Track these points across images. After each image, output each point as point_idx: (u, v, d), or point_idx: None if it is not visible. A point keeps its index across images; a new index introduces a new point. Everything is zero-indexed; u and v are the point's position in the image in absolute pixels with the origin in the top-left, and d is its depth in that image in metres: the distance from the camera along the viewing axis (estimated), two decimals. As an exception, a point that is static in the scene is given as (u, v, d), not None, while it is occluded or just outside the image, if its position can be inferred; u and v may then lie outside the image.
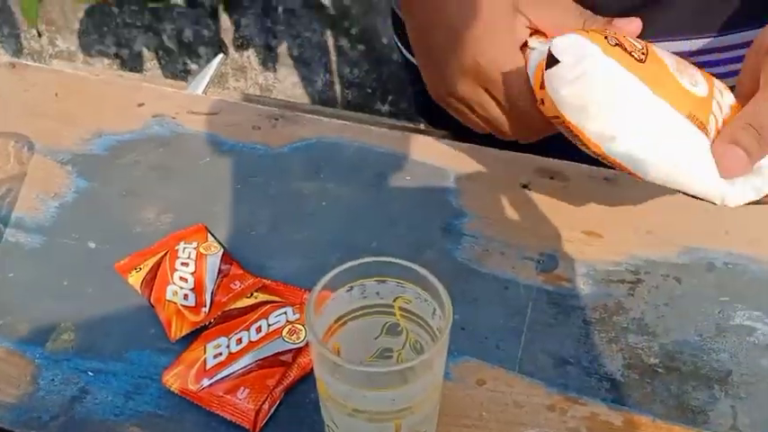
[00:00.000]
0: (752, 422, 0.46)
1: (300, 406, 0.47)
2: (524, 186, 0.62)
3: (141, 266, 0.55)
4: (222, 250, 0.56)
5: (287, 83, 1.89)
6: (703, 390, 0.47)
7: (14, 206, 0.63)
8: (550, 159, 0.65)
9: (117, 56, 1.96)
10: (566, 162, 0.64)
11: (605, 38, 0.43)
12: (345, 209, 0.61)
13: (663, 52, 0.46)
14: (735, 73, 0.62)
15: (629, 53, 0.42)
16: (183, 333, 0.50)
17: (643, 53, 0.43)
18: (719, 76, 0.62)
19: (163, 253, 0.56)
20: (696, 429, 0.45)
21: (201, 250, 0.56)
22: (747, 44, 0.60)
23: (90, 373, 0.50)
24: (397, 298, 0.40)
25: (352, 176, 0.64)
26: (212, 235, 0.58)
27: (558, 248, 0.57)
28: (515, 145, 0.69)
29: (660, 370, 0.48)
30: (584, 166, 0.64)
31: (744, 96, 0.45)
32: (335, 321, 0.41)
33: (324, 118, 0.71)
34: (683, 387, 0.48)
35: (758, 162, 0.42)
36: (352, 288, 0.40)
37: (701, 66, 0.61)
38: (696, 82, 0.45)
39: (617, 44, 0.43)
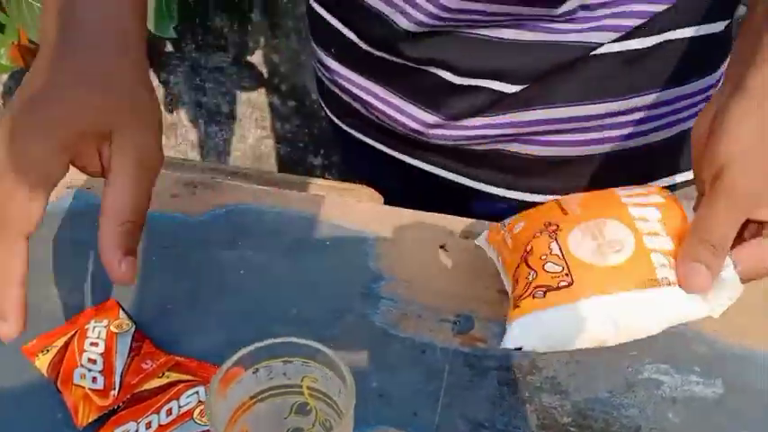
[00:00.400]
0: None
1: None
2: (441, 247, 0.63)
3: (49, 348, 0.53)
4: (134, 327, 0.55)
5: (218, 139, 1.89)
6: (615, 445, 0.48)
7: None
8: (466, 219, 0.66)
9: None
10: (480, 221, 0.66)
11: (532, 296, 0.45)
12: (264, 276, 0.61)
13: (575, 234, 0.46)
14: (640, 134, 0.65)
15: (557, 288, 0.44)
16: (91, 419, 0.49)
17: (566, 275, 0.45)
18: (624, 138, 0.65)
19: (72, 332, 0.54)
20: (608, 487, 0.46)
21: (112, 328, 0.55)
22: (653, 106, 0.63)
23: (-8, 466, 0.48)
24: (304, 377, 0.40)
25: (270, 243, 0.64)
26: (124, 311, 0.57)
27: (474, 309, 0.58)
28: (439, 203, 0.71)
29: (573, 429, 0.49)
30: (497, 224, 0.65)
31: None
32: (241, 405, 0.40)
33: (243, 183, 0.71)
34: (596, 446, 0.48)
35: (720, 274, 0.44)
36: (257, 370, 0.40)
37: (605, 128, 0.64)
38: (621, 245, 0.45)
39: (544, 291, 0.45)
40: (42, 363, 0.53)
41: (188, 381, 0.51)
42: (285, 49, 1.67)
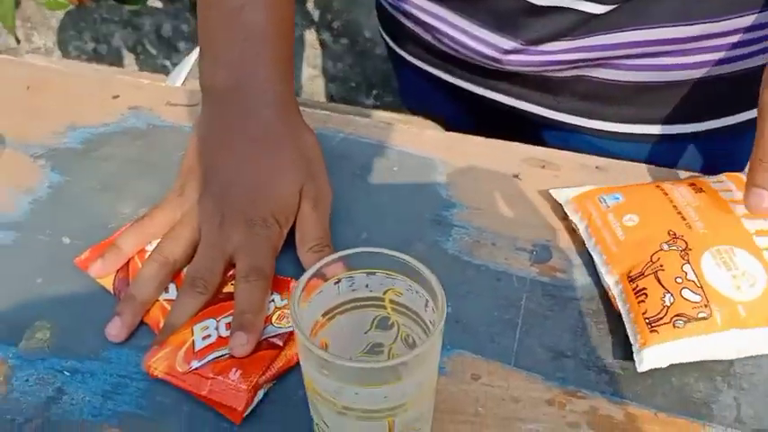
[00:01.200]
0: (756, 414, 0.44)
1: (288, 403, 0.45)
2: (515, 176, 0.61)
3: (108, 262, 0.53)
4: None
5: (268, 79, 1.86)
6: (705, 382, 0.46)
7: (-15, 202, 0.60)
8: (540, 148, 0.63)
9: (95, 52, 1.93)
10: (556, 150, 0.62)
11: (673, 325, 0.45)
12: (333, 200, 0.59)
13: (707, 259, 0.47)
14: (735, 58, 0.61)
15: (696, 319, 0.45)
16: None
17: (705, 305, 0.45)
18: (718, 63, 0.61)
19: None
20: (700, 423, 0.44)
21: None
22: (750, 29, 0.58)
23: (66, 373, 0.47)
24: (387, 290, 0.38)
25: (337, 168, 0.62)
26: None
27: (551, 239, 0.55)
28: (505, 134, 0.68)
29: (660, 361, 0.47)
30: (575, 154, 0.62)
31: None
32: (323, 315, 0.38)
33: (307, 108, 0.69)
34: (685, 379, 0.46)
35: None
36: (340, 280, 0.38)
37: (699, 51, 0.60)
38: (754, 279, 0.46)
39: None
40: (106, 279, 0.52)
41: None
42: (338, -14, 1.63)
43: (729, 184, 0.52)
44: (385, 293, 0.39)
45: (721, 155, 0.68)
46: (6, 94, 0.70)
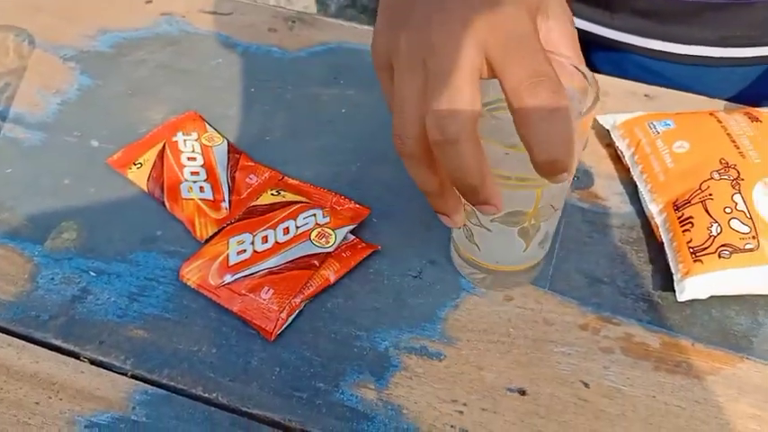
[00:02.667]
0: (798, 350, 0.43)
1: (317, 316, 0.44)
2: (558, 100, 0.58)
3: (140, 161, 0.52)
4: (226, 140, 0.53)
5: (298, 6, 1.82)
6: (746, 314, 0.44)
7: (13, 101, 0.59)
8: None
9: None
10: (604, 76, 0.60)
11: (718, 255, 0.43)
12: (367, 116, 0.57)
13: (759, 190, 0.45)
14: None
15: (743, 250, 0.43)
16: (210, 233, 0.47)
17: (753, 237, 0.43)
18: None
19: (160, 145, 0.52)
20: (738, 355, 0.42)
21: (204, 141, 0.52)
22: None
23: (92, 273, 0.47)
24: None
25: (374, 83, 0.60)
26: (209, 123, 0.54)
27: (594, 165, 0.53)
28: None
29: (701, 293, 0.45)
30: (624, 81, 0.59)
31: None
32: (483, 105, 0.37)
33: (344, 22, 0.66)
34: (726, 311, 0.44)
35: None
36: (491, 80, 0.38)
37: None
38: None
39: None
40: (138, 176, 0.51)
41: (305, 203, 0.48)
42: None
43: None
44: None
45: None
46: (36, -5, 0.68)
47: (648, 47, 0.63)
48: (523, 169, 0.38)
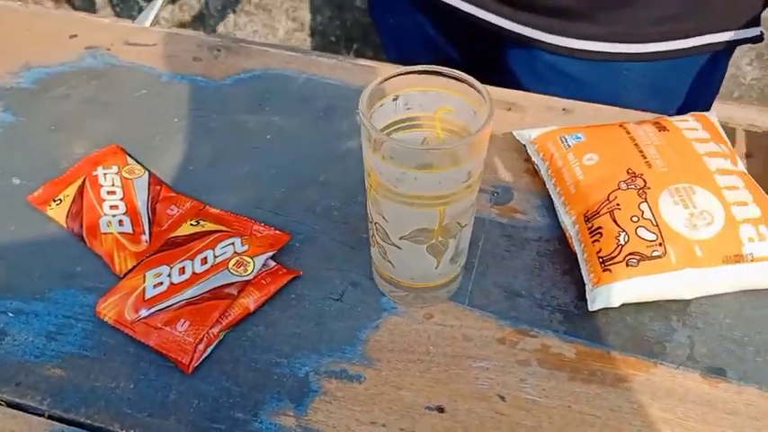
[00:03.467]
0: (709, 351, 0.44)
1: (237, 345, 0.44)
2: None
3: (60, 197, 0.51)
4: (147, 172, 0.53)
5: (247, 30, 1.83)
6: (660, 321, 0.45)
7: (-67, 142, 0.58)
8: (507, 90, 0.61)
9: (68, 0, 1.88)
10: (522, 92, 0.61)
11: (626, 264, 0.44)
12: (292, 142, 0.58)
13: (665, 198, 0.46)
14: None
15: (650, 258, 0.44)
16: (129, 266, 0.47)
17: (659, 244, 0.44)
18: None
19: (80, 180, 0.52)
20: (651, 361, 0.43)
21: (125, 174, 0.52)
22: None
23: (10, 314, 0.46)
24: (438, 109, 0.41)
25: (299, 109, 0.61)
26: (131, 156, 0.54)
27: (512, 180, 0.54)
28: (483, 78, 0.66)
29: (615, 301, 0.46)
30: (541, 96, 0.61)
31: None
32: (381, 131, 0.40)
33: (270, 49, 0.67)
34: (640, 318, 0.45)
35: None
36: (398, 97, 0.41)
37: None
38: (711, 217, 0.46)
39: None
40: (57, 213, 0.51)
41: (224, 231, 0.48)
42: (317, -67, 1.58)
43: (695, 123, 0.51)
44: (435, 112, 0.41)
45: (670, 86, 0.67)
46: (-42, 33, 0.68)
47: (553, 42, 0.65)
48: (419, 188, 0.39)
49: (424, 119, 0.42)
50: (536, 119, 0.59)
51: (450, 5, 0.69)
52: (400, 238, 0.42)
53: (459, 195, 0.40)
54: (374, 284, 0.48)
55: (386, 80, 0.40)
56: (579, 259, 0.46)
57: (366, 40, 1.73)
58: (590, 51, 0.64)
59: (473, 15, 0.68)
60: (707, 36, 0.64)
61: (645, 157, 0.48)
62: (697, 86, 0.68)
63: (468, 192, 0.40)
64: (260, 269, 0.46)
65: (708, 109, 0.66)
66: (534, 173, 0.54)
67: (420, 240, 0.41)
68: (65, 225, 0.51)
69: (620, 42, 0.64)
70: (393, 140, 0.38)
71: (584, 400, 0.42)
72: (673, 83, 0.67)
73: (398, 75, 0.40)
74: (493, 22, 0.67)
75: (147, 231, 0.49)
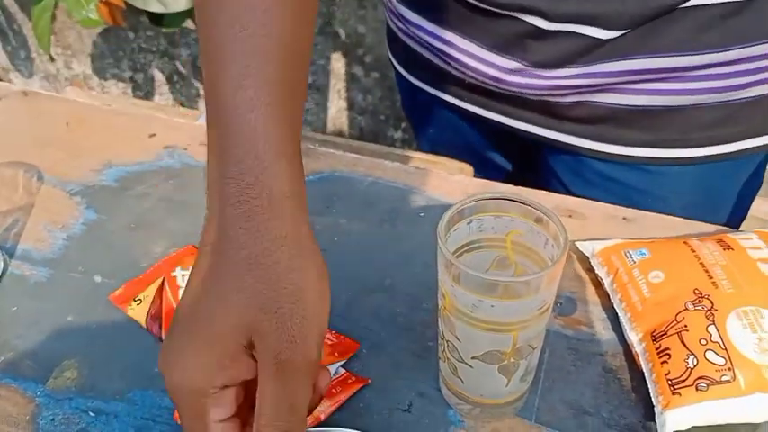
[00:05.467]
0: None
1: (308, 453, 0.45)
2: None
3: (140, 297, 0.54)
4: None
5: (300, 110, 1.89)
6: (730, 444, 0.45)
7: (21, 237, 0.62)
8: (568, 197, 0.63)
9: (132, 80, 1.97)
10: (583, 200, 0.62)
11: (696, 388, 0.45)
12: (358, 245, 0.60)
13: (732, 320, 0.47)
14: (738, 87, 0.61)
15: (720, 382, 0.45)
16: None
17: (729, 369, 0.45)
18: (722, 90, 0.61)
19: (159, 280, 0.55)
20: (724, 488, 0.43)
21: None
22: (752, 59, 0.59)
23: (91, 414, 0.48)
24: (510, 232, 0.43)
25: (365, 212, 0.63)
26: None
27: (575, 290, 0.55)
28: (530, 181, 0.68)
29: (684, 423, 0.46)
30: (602, 204, 0.62)
31: None
32: (453, 252, 0.42)
33: (337, 151, 0.70)
34: (709, 441, 0.45)
35: None
36: (472, 221, 0.43)
37: (702, 78, 0.60)
38: None
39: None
40: (137, 314, 0.53)
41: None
42: (371, 20, 1.65)
43: (759, 242, 0.52)
44: (507, 235, 0.43)
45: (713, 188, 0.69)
46: (46, 130, 0.72)
47: (599, 149, 0.67)
48: (496, 316, 0.40)
49: (495, 240, 0.44)
50: (597, 228, 0.60)
51: (494, 120, 0.72)
52: (472, 358, 0.43)
53: (533, 321, 0.41)
54: (441, 395, 0.48)
55: (464, 206, 0.42)
56: (647, 379, 0.47)
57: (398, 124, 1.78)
58: (638, 157, 0.66)
59: (517, 129, 0.71)
60: (752, 140, 0.65)
61: (711, 277, 0.49)
62: (742, 186, 0.69)
63: (543, 317, 0.42)
64: (331, 378, 0.48)
65: (750, 205, 0.67)
66: (596, 283, 0.55)
67: (492, 361, 0.43)
68: (144, 325, 0.53)
69: (668, 148, 0.65)
70: (474, 274, 0.39)
71: None
72: (718, 183, 0.69)
73: (477, 200, 0.43)
74: (539, 133, 0.69)
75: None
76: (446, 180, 0.66)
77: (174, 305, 0.52)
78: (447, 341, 0.44)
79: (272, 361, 0.35)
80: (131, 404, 0.49)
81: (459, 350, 0.43)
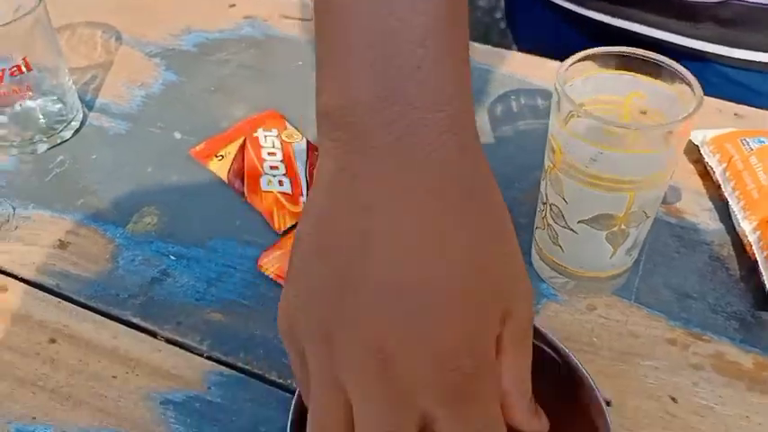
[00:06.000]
0: None
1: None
2: (643, 113, 0.57)
3: (222, 153, 0.52)
4: (305, 139, 0.53)
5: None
6: None
7: (99, 92, 0.60)
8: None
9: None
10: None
11: None
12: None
13: None
14: None
15: None
16: (288, 225, 0.47)
17: None
18: None
19: (241, 140, 0.53)
20: (839, 381, 0.40)
21: (284, 138, 0.53)
22: None
23: (172, 257, 0.47)
24: (630, 93, 0.39)
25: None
26: (290, 122, 0.55)
27: (682, 181, 0.52)
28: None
29: (797, 314, 0.43)
30: (713, 99, 0.58)
31: None
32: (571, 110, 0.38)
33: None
34: (824, 335, 0.42)
35: None
36: (587, 78, 0.39)
37: None
38: None
39: None
40: (219, 168, 0.51)
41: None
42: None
43: None
44: (627, 97, 0.39)
45: None
46: (126, -5, 0.70)
47: (732, 56, 0.62)
48: (616, 171, 0.37)
49: (613, 103, 0.40)
50: (706, 121, 0.56)
51: (616, 26, 0.67)
52: (578, 222, 0.40)
53: (653, 182, 0.38)
54: (533, 269, 0.46)
55: (581, 60, 0.39)
56: (761, 266, 0.44)
57: (486, 38, 1.72)
58: (761, 63, 0.61)
59: (641, 34, 0.66)
60: None
61: None
62: None
63: (664, 180, 0.38)
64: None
65: None
66: (704, 174, 0.51)
67: (600, 226, 0.40)
68: (226, 180, 0.51)
69: None
70: (600, 118, 0.36)
71: (764, 413, 0.39)
72: None
73: (593, 54, 0.39)
74: (670, 41, 0.65)
75: (305, 194, 0.49)
76: (544, 65, 0.62)
77: (257, 163, 0.50)
78: (551, 205, 0.41)
79: (522, 335, 0.28)
80: (212, 251, 0.47)
81: (564, 214, 0.41)
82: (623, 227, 0.40)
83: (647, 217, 0.40)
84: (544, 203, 0.42)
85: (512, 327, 0.27)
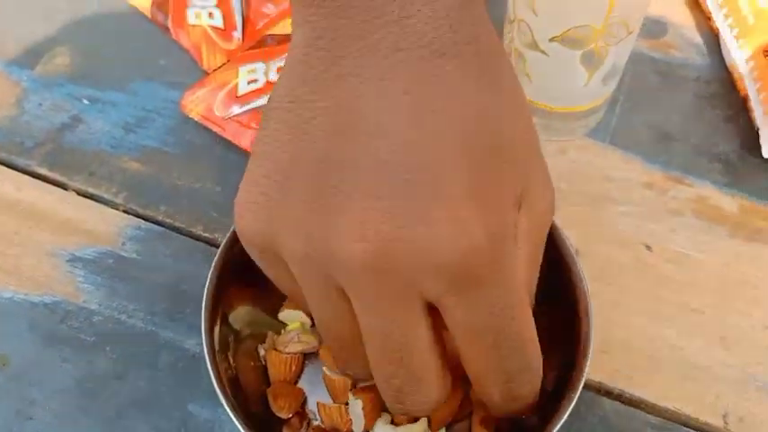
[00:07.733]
0: None
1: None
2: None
3: (146, -16, 0.45)
4: None
5: None
6: (842, 183, 0.38)
7: None
8: None
9: None
10: None
11: None
12: None
13: None
14: None
15: None
16: (218, 63, 0.41)
17: None
18: None
19: None
20: (831, 225, 0.36)
21: None
22: None
23: (85, 101, 0.41)
24: None
25: None
26: None
27: (666, 13, 0.45)
28: None
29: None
30: None
31: None
32: None
33: None
34: (818, 177, 0.38)
35: None
36: None
37: None
38: None
39: None
40: (141, 1, 0.44)
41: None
42: None
43: None
44: None
45: None
46: None
47: None
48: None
49: None
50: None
51: None
52: (550, 40, 0.34)
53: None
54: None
55: None
56: (752, 100, 0.39)
57: None
58: None
59: None
60: None
61: None
62: None
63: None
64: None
65: None
66: (694, 5, 0.45)
67: (575, 44, 0.34)
68: (149, 15, 0.44)
69: None
70: None
71: (746, 260, 0.35)
72: None
73: None
74: None
75: (239, 28, 0.43)
76: None
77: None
78: (520, 22, 0.35)
79: (537, 233, 0.23)
80: (132, 95, 0.41)
81: (534, 32, 0.35)
82: (601, 43, 0.34)
83: (629, 33, 0.34)
84: (511, 22, 0.36)
85: (526, 218, 0.22)
